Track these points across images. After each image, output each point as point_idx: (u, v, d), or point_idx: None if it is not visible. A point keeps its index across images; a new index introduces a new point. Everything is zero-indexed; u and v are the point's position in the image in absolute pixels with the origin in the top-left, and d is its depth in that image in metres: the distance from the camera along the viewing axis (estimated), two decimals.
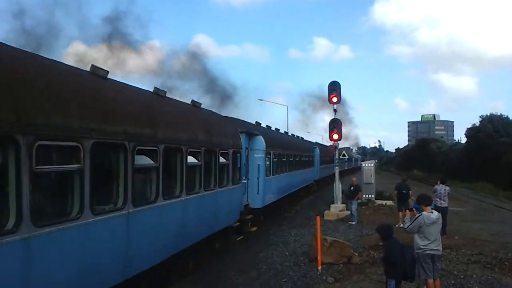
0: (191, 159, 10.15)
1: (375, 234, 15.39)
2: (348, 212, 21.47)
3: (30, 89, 5.37)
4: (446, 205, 16.30)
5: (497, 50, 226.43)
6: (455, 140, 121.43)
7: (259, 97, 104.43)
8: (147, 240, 8.03)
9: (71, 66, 7.38)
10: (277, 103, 65.33)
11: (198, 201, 10.60)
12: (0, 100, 4.83)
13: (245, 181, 16.18)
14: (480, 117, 67.93)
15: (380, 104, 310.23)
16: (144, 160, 8.09)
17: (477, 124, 67.68)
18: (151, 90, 9.83)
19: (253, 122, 21.53)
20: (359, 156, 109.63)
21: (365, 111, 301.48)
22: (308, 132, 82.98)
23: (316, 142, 47.50)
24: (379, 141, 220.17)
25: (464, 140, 79.11)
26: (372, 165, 30.52)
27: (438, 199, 16.13)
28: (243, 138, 15.70)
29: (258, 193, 17.63)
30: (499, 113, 68.14)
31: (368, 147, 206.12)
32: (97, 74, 7.51)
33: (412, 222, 7.90)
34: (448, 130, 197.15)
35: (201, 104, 12.78)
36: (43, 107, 5.50)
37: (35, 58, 6.46)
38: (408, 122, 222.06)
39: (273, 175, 20.15)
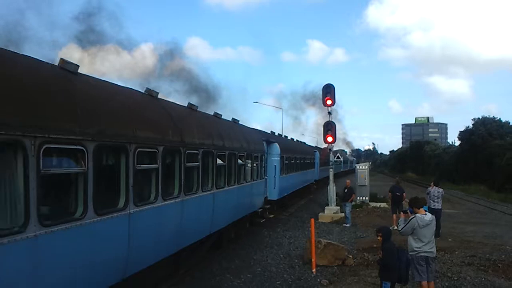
0: (239, 161, 14.52)
1: (369, 236, 15.48)
2: (342, 214, 21.50)
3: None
4: (440, 207, 16.38)
5: (489, 53, 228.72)
6: (448, 143, 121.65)
7: (253, 99, 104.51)
8: (222, 208, 12.60)
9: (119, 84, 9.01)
10: (272, 106, 65.59)
11: (243, 188, 15.14)
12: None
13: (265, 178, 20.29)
14: (473, 120, 68.29)
15: (375, 106, 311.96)
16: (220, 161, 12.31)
17: (471, 127, 68.00)
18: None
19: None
20: (354, 159, 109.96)
21: (359, 113, 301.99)
22: (303, 135, 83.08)
23: (316, 146, 48.83)
24: (373, 143, 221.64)
25: (457, 142, 79.36)
26: (366, 167, 30.59)
27: (431, 201, 16.21)
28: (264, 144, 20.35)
29: (274, 188, 21.29)
30: (492, 116, 68.51)
31: (363, 149, 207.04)
32: (151, 94, 9.57)
33: (406, 224, 7.92)
34: (441, 133, 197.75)
35: (239, 120, 16.98)
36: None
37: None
38: (402, 125, 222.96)
39: (285, 174, 23.47)
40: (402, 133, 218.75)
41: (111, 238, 6.88)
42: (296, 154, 28.04)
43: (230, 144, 13.47)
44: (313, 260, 11.30)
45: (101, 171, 6.60)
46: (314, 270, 11.18)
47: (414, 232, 7.84)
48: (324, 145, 32.51)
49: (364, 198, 26.93)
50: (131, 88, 9.20)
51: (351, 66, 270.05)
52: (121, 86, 8.74)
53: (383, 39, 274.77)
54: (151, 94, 9.50)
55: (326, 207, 23.39)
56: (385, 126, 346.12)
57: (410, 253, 7.76)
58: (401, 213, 8.43)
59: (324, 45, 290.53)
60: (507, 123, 65.61)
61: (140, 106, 8.64)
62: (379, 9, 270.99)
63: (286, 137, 31.69)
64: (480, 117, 67.93)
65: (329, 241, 13.08)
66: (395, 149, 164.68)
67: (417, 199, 8.47)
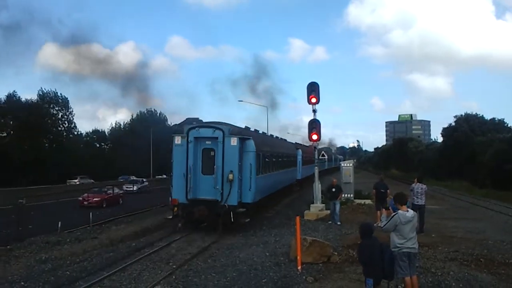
0: (285, 158, 31.23)
1: (354, 233, 15.56)
2: (328, 211, 21.59)
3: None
4: (423, 203, 16.53)
5: (468, 51, 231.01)
6: (431, 140, 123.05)
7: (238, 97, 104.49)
8: (273, 181, 26.28)
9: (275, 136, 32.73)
10: (257, 104, 65.85)
11: (287, 171, 32.02)
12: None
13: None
14: (455, 116, 69.12)
15: (357, 104, 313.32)
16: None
17: (453, 124, 68.82)
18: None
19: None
20: (341, 157, 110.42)
21: (343, 111, 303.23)
22: (288, 133, 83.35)
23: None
24: (357, 141, 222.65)
25: (440, 139, 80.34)
26: (350, 165, 30.78)
27: (415, 198, 16.36)
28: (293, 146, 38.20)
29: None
30: (475, 113, 69.45)
31: (347, 147, 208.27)
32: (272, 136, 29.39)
33: (388, 221, 7.98)
34: (425, 130, 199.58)
35: (286, 139, 37.22)
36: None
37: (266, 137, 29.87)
38: (386, 122, 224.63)
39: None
40: (386, 130, 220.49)
41: (267, 180, 23.80)
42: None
43: (281, 151, 30.81)
44: (298, 257, 11.33)
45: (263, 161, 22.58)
46: (299, 267, 11.20)
47: (396, 228, 7.91)
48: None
49: (348, 195, 27.09)
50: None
51: (333, 64, 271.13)
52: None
53: (363, 37, 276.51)
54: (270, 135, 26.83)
55: (311, 205, 23.47)
56: (369, 124, 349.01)
57: (393, 249, 7.82)
58: (384, 209, 8.49)
59: (306, 44, 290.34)
60: (492, 120, 66.54)
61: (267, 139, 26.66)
62: (359, 8, 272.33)
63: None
64: (463, 114, 68.85)
65: (314, 238, 13.12)
66: (379, 146, 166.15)
67: (400, 195, 8.53)
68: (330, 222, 19.66)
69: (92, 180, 58.66)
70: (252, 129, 25.54)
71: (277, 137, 36.32)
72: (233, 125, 21.70)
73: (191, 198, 18.92)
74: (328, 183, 22.29)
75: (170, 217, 19.64)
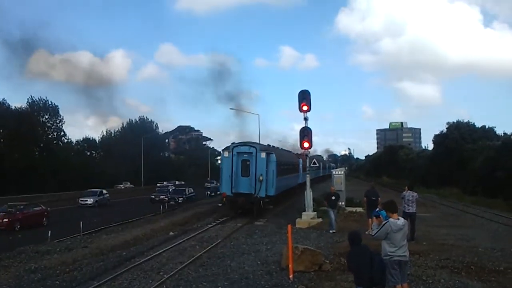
0: (291, 166, 38.55)
1: (345, 241, 15.57)
2: (320, 220, 21.56)
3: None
4: (414, 211, 16.57)
5: (456, 59, 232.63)
6: (422, 147, 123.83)
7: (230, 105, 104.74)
8: (286, 182, 34.41)
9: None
10: (249, 112, 66.09)
11: (294, 175, 40.09)
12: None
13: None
14: (447, 124, 69.58)
15: (348, 112, 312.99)
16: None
17: (444, 131, 69.26)
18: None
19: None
20: (333, 165, 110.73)
21: (334, 119, 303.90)
22: (280, 141, 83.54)
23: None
24: (349, 148, 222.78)
25: (431, 147, 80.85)
26: (342, 172, 30.87)
27: (406, 205, 16.41)
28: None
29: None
30: (466, 120, 69.95)
31: (339, 154, 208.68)
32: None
33: (379, 229, 7.99)
34: (415, 137, 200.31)
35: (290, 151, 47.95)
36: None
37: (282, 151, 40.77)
38: (377, 130, 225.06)
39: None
40: (377, 138, 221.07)
41: (282, 181, 31.68)
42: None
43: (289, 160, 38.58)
44: (290, 266, 11.31)
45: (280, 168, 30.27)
46: (291, 276, 11.18)
47: (387, 236, 7.91)
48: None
49: (340, 203, 27.10)
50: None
51: (323, 72, 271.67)
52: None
53: (353, 45, 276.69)
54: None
55: (303, 213, 23.47)
56: (360, 131, 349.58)
57: (384, 258, 7.82)
58: (374, 217, 8.48)
59: (296, 52, 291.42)
60: (483, 128, 67.02)
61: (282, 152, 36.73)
62: (349, 16, 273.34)
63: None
64: (455, 121, 69.31)
65: (306, 246, 13.10)
66: (370, 154, 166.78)
67: (391, 203, 8.53)
68: (332, 231, 19.29)
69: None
70: (271, 145, 38.25)
71: (286, 150, 48.28)
72: (262, 144, 33.79)
73: (235, 192, 27.52)
74: (325, 191, 22.23)
75: (220, 204, 29.66)
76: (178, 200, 44.94)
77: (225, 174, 28.11)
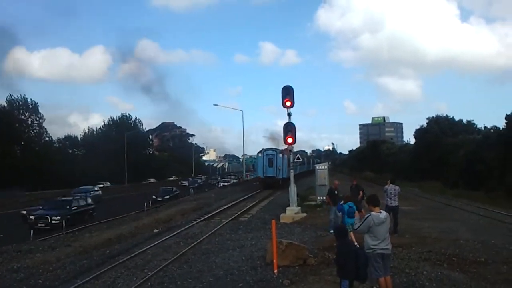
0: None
1: (329, 235, 15.68)
2: (304, 214, 21.59)
3: None
4: (397, 204, 16.74)
5: (435, 54, 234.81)
6: (404, 142, 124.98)
7: (213, 101, 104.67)
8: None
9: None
10: (232, 108, 65.70)
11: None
12: None
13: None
14: (427, 118, 70.36)
15: (331, 107, 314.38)
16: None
17: (425, 125, 70.02)
18: None
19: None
20: (319, 160, 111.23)
21: (316, 114, 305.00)
22: (264, 137, 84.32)
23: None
24: (332, 143, 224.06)
25: (413, 141, 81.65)
26: (325, 167, 31.00)
27: (388, 199, 16.57)
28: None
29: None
30: (445, 114, 70.81)
31: (322, 149, 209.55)
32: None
33: (362, 223, 8.07)
34: (397, 132, 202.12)
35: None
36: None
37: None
38: (360, 125, 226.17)
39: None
40: (360, 133, 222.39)
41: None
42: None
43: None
44: (274, 261, 11.34)
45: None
46: (276, 271, 11.21)
47: (370, 230, 8.00)
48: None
49: (323, 197, 27.23)
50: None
51: (305, 68, 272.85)
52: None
53: (334, 41, 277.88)
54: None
55: (287, 208, 23.55)
56: (343, 126, 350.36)
57: (367, 251, 7.90)
58: (356, 212, 8.54)
59: (276, 48, 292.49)
60: (460, 121, 67.94)
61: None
62: (328, 12, 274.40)
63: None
64: (434, 116, 70.09)
65: (290, 241, 13.14)
66: (353, 149, 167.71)
67: (373, 197, 8.61)
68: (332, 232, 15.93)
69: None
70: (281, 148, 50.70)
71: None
72: (279, 149, 51.94)
73: (265, 176, 50.49)
74: (309, 185, 22.29)
75: (257, 183, 54.80)
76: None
77: (259, 166, 52.65)
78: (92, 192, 44.47)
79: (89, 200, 31.07)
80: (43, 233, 22.90)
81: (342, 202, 15.01)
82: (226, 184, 74.25)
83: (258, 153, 54.81)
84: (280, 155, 48.34)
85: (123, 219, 28.23)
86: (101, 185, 62.47)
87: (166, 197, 43.93)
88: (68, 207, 27.52)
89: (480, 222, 22.01)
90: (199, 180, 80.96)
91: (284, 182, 45.04)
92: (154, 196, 42.92)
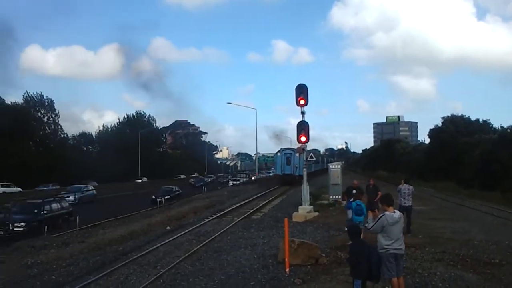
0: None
1: (342, 234, 15.62)
2: (316, 213, 21.49)
3: None
4: (410, 204, 16.61)
5: (450, 52, 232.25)
6: (419, 141, 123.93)
7: (227, 99, 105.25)
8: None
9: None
10: (245, 106, 65.97)
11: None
12: None
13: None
14: (442, 118, 69.67)
15: (344, 106, 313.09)
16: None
17: (440, 125, 69.33)
18: None
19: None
20: (332, 159, 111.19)
21: (330, 113, 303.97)
22: (277, 134, 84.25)
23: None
24: (345, 142, 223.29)
25: (427, 140, 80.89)
26: (339, 166, 30.90)
27: (402, 199, 16.44)
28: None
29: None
30: (460, 114, 70.05)
31: (336, 148, 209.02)
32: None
33: (375, 223, 8.01)
34: (412, 131, 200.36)
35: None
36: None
37: None
38: (374, 124, 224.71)
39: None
40: (374, 132, 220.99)
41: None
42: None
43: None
44: (286, 259, 11.33)
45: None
46: (287, 269, 11.20)
47: (383, 230, 7.93)
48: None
49: (337, 197, 27.17)
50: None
51: (318, 67, 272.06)
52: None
53: (347, 39, 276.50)
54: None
55: (299, 207, 23.48)
56: (356, 125, 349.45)
57: (380, 251, 7.84)
58: (370, 212, 8.50)
59: (289, 46, 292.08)
60: (477, 121, 67.13)
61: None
62: (342, 10, 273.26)
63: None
64: (450, 115, 69.39)
65: (302, 240, 13.13)
66: (367, 148, 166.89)
67: (387, 197, 8.55)
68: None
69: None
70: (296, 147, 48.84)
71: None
72: (295, 148, 44.55)
73: (283, 173, 57.46)
74: (323, 184, 22.24)
75: (276, 179, 60.66)
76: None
77: (278, 164, 59.69)
78: (85, 191, 43.72)
79: (66, 204, 27.15)
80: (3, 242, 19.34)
81: (351, 199, 15.00)
82: (235, 183, 73.76)
83: (277, 152, 61.84)
84: (297, 154, 49.09)
85: (135, 216, 28.39)
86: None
87: (166, 197, 40.49)
88: (36, 211, 23.19)
89: (494, 222, 21.74)
90: (205, 179, 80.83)
91: (300, 179, 46.02)
92: (153, 196, 39.97)
